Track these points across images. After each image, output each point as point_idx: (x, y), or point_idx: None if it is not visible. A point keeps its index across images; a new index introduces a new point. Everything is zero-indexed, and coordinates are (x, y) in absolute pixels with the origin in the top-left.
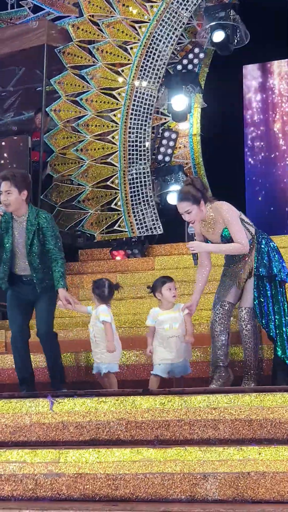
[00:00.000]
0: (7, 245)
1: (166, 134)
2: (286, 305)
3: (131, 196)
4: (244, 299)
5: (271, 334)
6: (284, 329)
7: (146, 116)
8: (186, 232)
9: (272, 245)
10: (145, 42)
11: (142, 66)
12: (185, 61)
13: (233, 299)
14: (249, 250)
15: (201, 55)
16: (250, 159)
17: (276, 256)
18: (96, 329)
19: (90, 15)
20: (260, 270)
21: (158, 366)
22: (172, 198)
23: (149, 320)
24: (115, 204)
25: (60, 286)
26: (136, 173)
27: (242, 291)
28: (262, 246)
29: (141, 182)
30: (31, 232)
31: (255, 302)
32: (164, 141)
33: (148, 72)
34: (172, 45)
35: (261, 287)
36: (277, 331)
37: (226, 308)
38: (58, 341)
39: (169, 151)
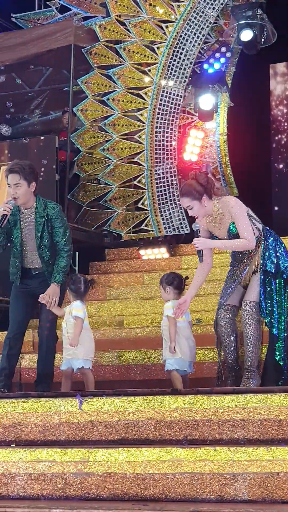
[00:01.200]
0: (16, 239)
1: (193, 133)
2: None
3: (158, 196)
4: (249, 294)
5: (274, 331)
6: (284, 329)
7: (173, 116)
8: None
9: (279, 242)
10: (172, 42)
11: (169, 66)
12: (211, 60)
13: (238, 301)
14: (256, 247)
15: (228, 54)
16: (277, 158)
17: (284, 253)
18: (69, 324)
19: (117, 15)
20: (267, 266)
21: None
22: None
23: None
24: (142, 204)
25: (53, 281)
26: (163, 173)
27: (247, 286)
28: (270, 242)
29: (168, 181)
30: (41, 225)
31: (261, 298)
32: (191, 140)
33: (175, 71)
34: (199, 44)
35: (267, 283)
36: (280, 329)
37: (230, 312)
38: (55, 343)
39: (196, 150)
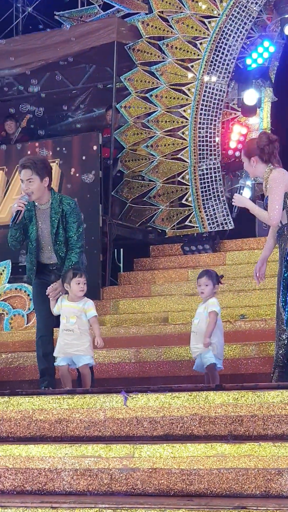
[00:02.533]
0: (31, 234)
1: (236, 128)
2: None
3: (202, 192)
4: None
5: None
6: None
7: (216, 111)
8: (256, 226)
9: None
10: (215, 37)
11: (211, 61)
12: (254, 55)
13: None
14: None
15: (271, 49)
16: None
17: None
18: (80, 321)
19: (159, 11)
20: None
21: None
22: (243, 193)
23: None
24: (186, 200)
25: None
26: (207, 169)
27: None
28: None
29: (211, 177)
30: (56, 220)
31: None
32: (234, 136)
33: (218, 67)
34: (241, 39)
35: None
36: None
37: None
38: None
39: (239, 146)
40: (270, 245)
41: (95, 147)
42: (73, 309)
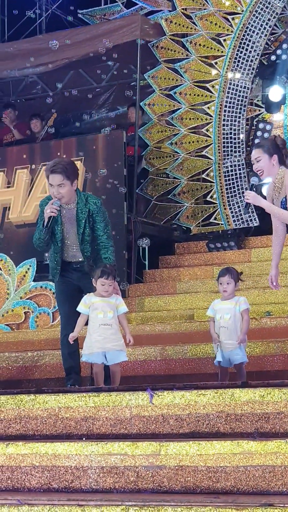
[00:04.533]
0: (57, 234)
1: (261, 125)
2: None
3: (227, 189)
4: None
5: None
6: None
7: (240, 108)
8: None
9: None
10: (239, 34)
11: (235, 58)
12: (279, 51)
13: None
14: None
15: None
16: None
17: None
18: (116, 316)
19: (182, 9)
20: None
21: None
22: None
23: (208, 310)
24: (211, 197)
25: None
26: (231, 166)
27: None
28: None
29: (236, 174)
30: (83, 220)
31: None
32: (259, 133)
33: (242, 63)
34: (265, 35)
35: None
36: None
37: None
38: None
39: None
40: (278, 251)
41: (119, 145)
42: (109, 304)
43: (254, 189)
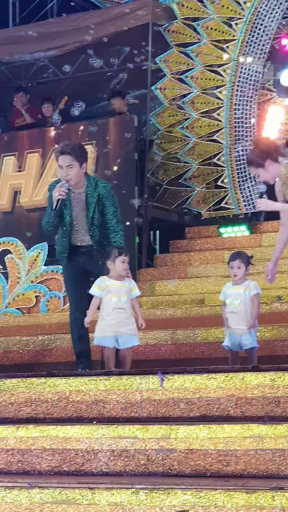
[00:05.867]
0: (66, 218)
1: (272, 110)
2: None
3: (238, 173)
4: None
5: None
6: None
7: (252, 92)
8: None
9: None
10: (250, 18)
11: (247, 42)
12: None
13: None
14: None
15: None
16: None
17: None
18: (129, 300)
19: None
20: None
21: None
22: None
23: (220, 295)
24: (222, 181)
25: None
26: (242, 150)
27: None
28: None
29: None
30: (92, 204)
31: None
32: (270, 117)
33: (254, 47)
34: (277, 19)
35: None
36: None
37: None
38: None
39: (276, 127)
40: (281, 248)
41: (130, 129)
42: (123, 287)
43: (264, 196)
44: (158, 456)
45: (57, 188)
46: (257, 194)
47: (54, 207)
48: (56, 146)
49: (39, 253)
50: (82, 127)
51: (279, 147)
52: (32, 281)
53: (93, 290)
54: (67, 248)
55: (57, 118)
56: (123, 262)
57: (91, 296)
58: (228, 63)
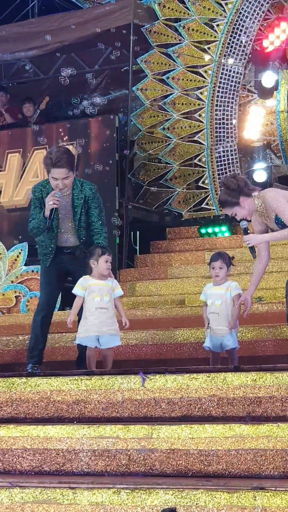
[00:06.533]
0: (54, 221)
1: (253, 111)
2: None
3: (219, 174)
4: None
5: None
6: None
7: (233, 94)
8: None
9: None
10: (232, 19)
11: (228, 43)
12: (272, 37)
13: None
14: None
15: None
16: None
17: None
18: (112, 300)
19: None
20: None
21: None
22: (259, 176)
23: (201, 295)
24: (203, 182)
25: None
26: (223, 151)
27: None
28: None
29: (228, 159)
30: (79, 206)
31: None
32: (251, 118)
33: (235, 49)
34: (258, 21)
35: None
36: None
37: None
38: None
39: (256, 128)
40: (256, 281)
41: (111, 130)
42: (106, 287)
43: (248, 232)
44: (139, 456)
45: (51, 197)
46: (243, 226)
47: (49, 216)
48: (39, 147)
49: (20, 253)
50: (62, 127)
51: (248, 182)
52: (12, 281)
53: (76, 290)
54: (54, 249)
55: (36, 128)
56: (106, 261)
57: (69, 297)
58: (209, 64)
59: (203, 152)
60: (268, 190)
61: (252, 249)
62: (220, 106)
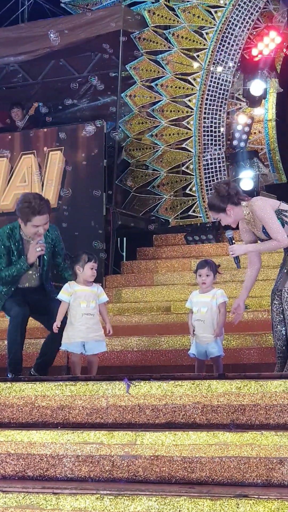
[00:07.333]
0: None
1: (241, 119)
2: None
3: (206, 182)
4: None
5: None
6: None
7: (221, 101)
8: None
9: None
10: (221, 27)
11: (217, 51)
12: (261, 46)
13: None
14: None
15: (277, 40)
16: None
17: None
18: (95, 305)
19: (166, 1)
20: None
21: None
22: (246, 184)
23: (187, 302)
24: (190, 190)
25: None
26: (211, 159)
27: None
28: None
29: (216, 167)
30: (49, 249)
31: None
32: (239, 127)
33: (224, 57)
34: (248, 29)
35: None
36: None
37: (279, 297)
38: None
39: (244, 136)
40: (249, 286)
41: (99, 136)
42: (91, 293)
43: (233, 241)
44: (123, 462)
45: (37, 246)
46: (228, 236)
47: (38, 263)
48: (27, 152)
49: None
50: (51, 133)
51: (240, 191)
52: None
53: (61, 296)
54: (13, 290)
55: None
56: (92, 268)
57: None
58: (198, 72)
59: (190, 160)
60: (256, 199)
61: (236, 259)
62: (208, 114)
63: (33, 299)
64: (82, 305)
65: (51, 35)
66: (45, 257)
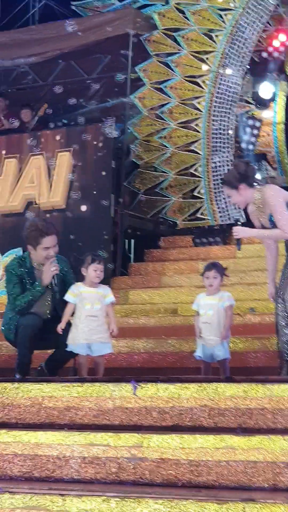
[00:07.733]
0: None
1: (250, 122)
2: None
3: (214, 184)
4: None
5: None
6: None
7: (230, 104)
8: None
9: None
10: (231, 30)
11: (227, 54)
12: (270, 49)
13: None
14: None
15: (287, 43)
16: None
17: None
18: (103, 307)
19: (176, 3)
20: None
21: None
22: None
23: (194, 305)
24: (198, 192)
25: None
26: (219, 161)
27: None
28: None
29: (224, 170)
30: (59, 279)
31: None
32: (248, 129)
33: (233, 59)
34: (258, 32)
35: None
36: None
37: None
38: None
39: (253, 139)
40: (272, 268)
41: (108, 137)
42: (97, 294)
43: (240, 223)
44: (129, 464)
45: (51, 266)
46: (237, 217)
47: (53, 283)
48: (36, 153)
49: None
50: (60, 134)
51: (255, 173)
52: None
53: (67, 297)
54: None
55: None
56: (95, 270)
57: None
58: (207, 74)
59: (199, 162)
60: (270, 186)
61: (238, 241)
62: (217, 116)
63: (45, 329)
64: (86, 307)
65: (68, 26)
66: (57, 278)
